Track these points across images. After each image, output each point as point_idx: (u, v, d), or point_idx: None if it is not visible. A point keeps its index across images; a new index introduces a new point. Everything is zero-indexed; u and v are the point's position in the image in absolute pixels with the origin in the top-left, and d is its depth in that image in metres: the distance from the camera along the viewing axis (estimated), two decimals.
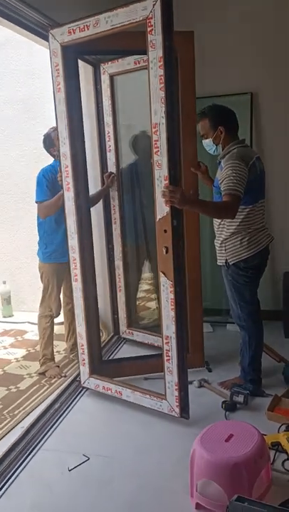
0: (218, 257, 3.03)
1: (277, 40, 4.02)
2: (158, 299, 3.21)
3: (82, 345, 3.22)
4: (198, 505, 2.11)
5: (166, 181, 2.55)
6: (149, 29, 2.46)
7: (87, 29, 2.69)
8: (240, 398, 2.90)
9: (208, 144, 2.97)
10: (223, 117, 2.89)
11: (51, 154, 3.52)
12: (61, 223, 3.44)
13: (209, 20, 4.02)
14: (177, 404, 2.80)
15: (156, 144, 2.55)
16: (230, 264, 2.93)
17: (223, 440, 2.15)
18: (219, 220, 2.94)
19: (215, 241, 3.04)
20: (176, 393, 2.78)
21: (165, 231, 2.62)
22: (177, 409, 2.80)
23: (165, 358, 2.78)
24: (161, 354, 2.84)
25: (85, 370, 3.24)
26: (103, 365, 3.38)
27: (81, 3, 3.05)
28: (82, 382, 3.26)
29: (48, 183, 3.38)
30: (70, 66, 2.94)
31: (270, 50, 4.06)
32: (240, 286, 2.96)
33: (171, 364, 2.77)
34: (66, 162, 2.99)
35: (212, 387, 3.18)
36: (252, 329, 3.04)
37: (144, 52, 2.50)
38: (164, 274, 2.69)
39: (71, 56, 2.93)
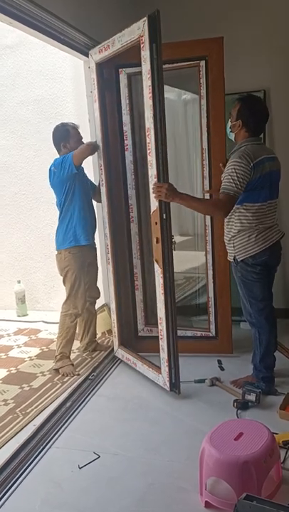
0: (228, 253, 3.04)
1: None
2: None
3: (114, 320, 3.72)
4: (207, 504, 2.10)
5: (155, 179, 2.88)
6: (141, 46, 2.83)
7: (109, 48, 3.17)
8: (252, 397, 2.88)
9: (228, 125, 3.02)
10: (248, 115, 2.87)
11: (58, 147, 3.52)
12: (90, 201, 3.60)
13: (222, 19, 4.02)
14: (168, 379, 3.09)
15: (148, 146, 2.91)
16: (238, 260, 2.93)
17: (233, 438, 2.14)
18: (228, 217, 2.94)
19: (224, 237, 3.05)
20: (167, 369, 3.09)
21: (156, 223, 2.94)
22: (168, 384, 3.10)
23: (159, 336, 3.14)
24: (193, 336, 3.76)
25: (115, 341, 3.75)
26: (137, 340, 3.84)
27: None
28: (114, 352, 3.77)
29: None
30: (104, 79, 3.45)
31: (283, 47, 4.03)
32: (249, 283, 2.96)
33: (163, 342, 3.10)
34: (100, 161, 3.49)
35: (224, 386, 3.17)
36: (262, 326, 3.02)
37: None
38: (156, 261, 3.02)
39: (106, 71, 3.44)
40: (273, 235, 2.92)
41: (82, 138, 3.56)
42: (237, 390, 3.07)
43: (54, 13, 3.04)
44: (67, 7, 3.21)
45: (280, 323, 3.20)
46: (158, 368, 3.19)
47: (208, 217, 3.59)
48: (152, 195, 2.93)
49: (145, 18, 2.75)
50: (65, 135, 3.50)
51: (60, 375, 3.51)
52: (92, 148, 3.42)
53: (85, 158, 3.44)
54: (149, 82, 2.81)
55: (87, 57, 3.49)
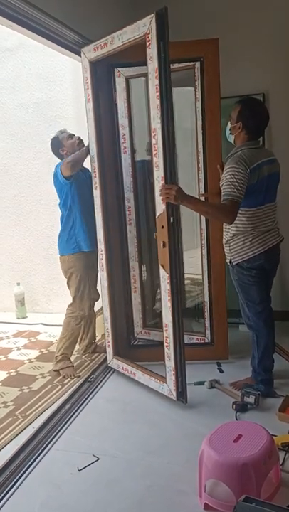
0: (225, 256, 3.05)
1: None
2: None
3: (108, 329, 3.54)
4: (206, 506, 2.11)
5: (163, 181, 2.78)
6: (147, 43, 2.72)
7: (106, 46, 3.03)
8: (251, 399, 2.89)
9: (228, 128, 2.99)
10: (248, 117, 2.86)
11: (59, 156, 3.60)
12: (92, 206, 3.51)
13: (221, 22, 4.03)
14: (174, 388, 2.98)
15: (154, 147, 2.80)
16: (234, 264, 2.93)
17: (232, 441, 2.15)
18: None
19: (222, 240, 3.05)
20: (174, 378, 2.97)
21: (162, 227, 2.84)
22: (174, 393, 2.99)
23: (165, 344, 3.01)
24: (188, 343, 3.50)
25: (109, 351, 3.57)
26: (131, 349, 3.71)
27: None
28: (108, 363, 3.59)
29: None
30: (98, 79, 3.30)
31: (282, 50, 4.04)
32: (246, 286, 2.96)
33: (169, 350, 2.98)
34: (94, 164, 3.34)
35: (223, 388, 3.17)
36: (260, 329, 3.02)
37: None
38: (162, 266, 2.89)
39: (99, 70, 3.30)
40: (271, 239, 2.90)
41: (72, 135, 3.59)
42: (236, 392, 3.08)
43: (49, 12, 2.94)
44: (62, 7, 3.11)
45: (278, 325, 3.21)
46: (161, 377, 3.10)
47: (203, 220, 3.56)
48: (159, 198, 2.82)
49: (152, 15, 2.65)
50: (56, 143, 3.58)
51: (60, 377, 3.51)
52: (78, 158, 3.39)
53: (72, 168, 3.38)
54: (157, 81, 2.70)
55: (79, 55, 3.33)
